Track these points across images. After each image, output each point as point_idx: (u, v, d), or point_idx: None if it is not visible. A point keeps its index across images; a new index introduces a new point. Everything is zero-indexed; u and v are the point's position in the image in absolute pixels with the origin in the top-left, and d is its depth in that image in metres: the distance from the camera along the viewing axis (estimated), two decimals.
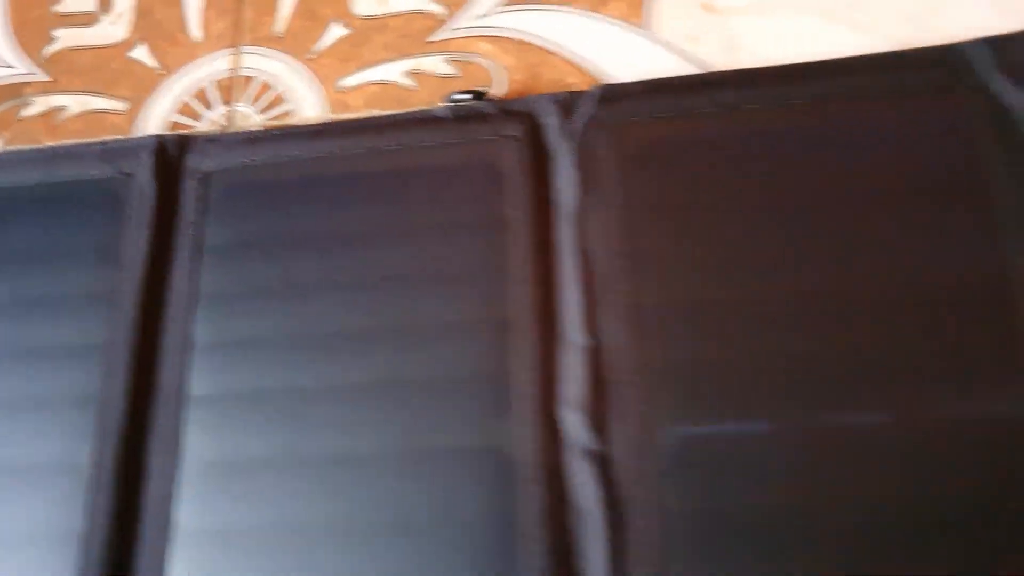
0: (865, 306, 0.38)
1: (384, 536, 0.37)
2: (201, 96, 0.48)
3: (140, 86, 0.49)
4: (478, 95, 0.43)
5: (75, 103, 0.49)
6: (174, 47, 0.49)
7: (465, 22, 0.47)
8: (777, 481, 0.36)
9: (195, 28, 0.50)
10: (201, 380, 0.42)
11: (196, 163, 0.46)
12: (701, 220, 0.40)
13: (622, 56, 0.44)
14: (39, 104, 0.49)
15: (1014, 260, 0.37)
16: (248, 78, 0.48)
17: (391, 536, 0.37)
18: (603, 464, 0.37)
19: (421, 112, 0.44)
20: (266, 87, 0.48)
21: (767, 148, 0.41)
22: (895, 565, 0.34)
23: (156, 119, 0.48)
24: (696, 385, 0.38)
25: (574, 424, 0.38)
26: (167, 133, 0.47)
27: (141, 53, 0.50)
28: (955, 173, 0.39)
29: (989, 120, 0.40)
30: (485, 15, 0.46)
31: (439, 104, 0.43)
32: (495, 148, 0.43)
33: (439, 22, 0.47)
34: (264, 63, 0.48)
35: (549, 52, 0.45)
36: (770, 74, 0.42)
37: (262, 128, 0.46)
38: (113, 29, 0.50)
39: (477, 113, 0.43)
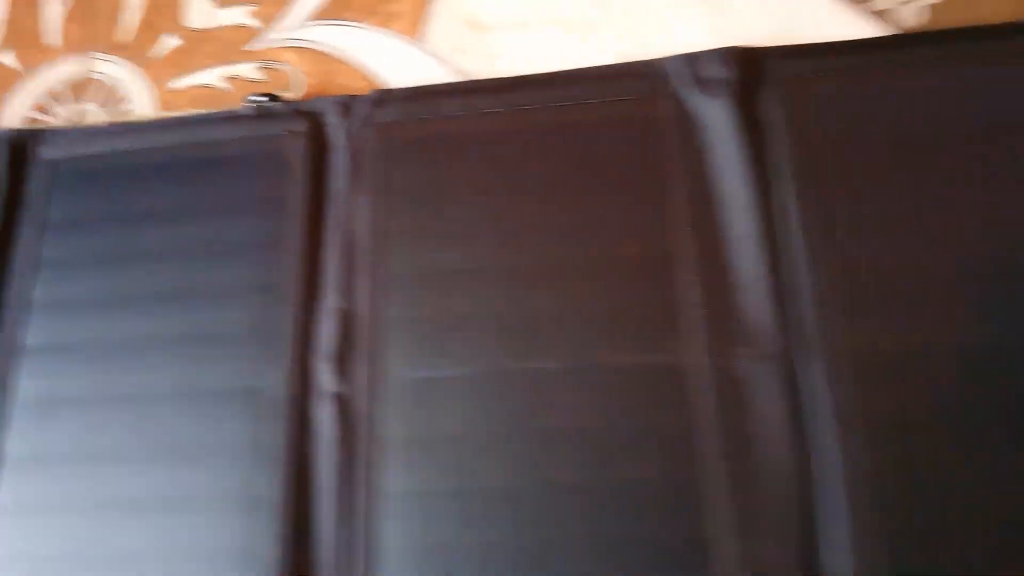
0: (558, 275, 0.46)
1: (165, 459, 0.46)
2: (56, 95, 0.56)
3: (3, 86, 0.57)
4: (274, 97, 0.52)
5: None
6: (36, 52, 0.58)
7: (276, 34, 0.55)
8: (477, 413, 0.44)
9: (55, 36, 0.58)
10: (35, 333, 0.50)
11: (46, 153, 0.54)
12: (441, 205, 0.48)
13: (401, 66, 0.53)
14: None
15: (676, 240, 0.45)
16: (96, 80, 0.56)
17: (171, 459, 0.46)
18: (343, 403, 0.45)
19: (228, 111, 0.53)
20: (110, 88, 0.56)
21: (503, 145, 0.49)
22: (563, 476, 0.42)
23: (16, 115, 0.56)
24: (423, 338, 0.46)
25: (324, 372, 0.46)
26: (22, 127, 0.55)
27: (8, 57, 0.58)
28: (644, 167, 0.47)
29: (677, 123, 0.48)
30: (293, 29, 0.55)
31: (242, 104, 0.52)
32: (283, 142, 0.51)
33: (254, 34, 0.55)
34: (110, 68, 0.56)
35: (341, 61, 0.53)
36: (510, 83, 0.50)
37: (104, 123, 0.55)
38: None
39: (272, 112, 0.52)
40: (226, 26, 0.55)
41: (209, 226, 0.50)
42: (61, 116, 0.56)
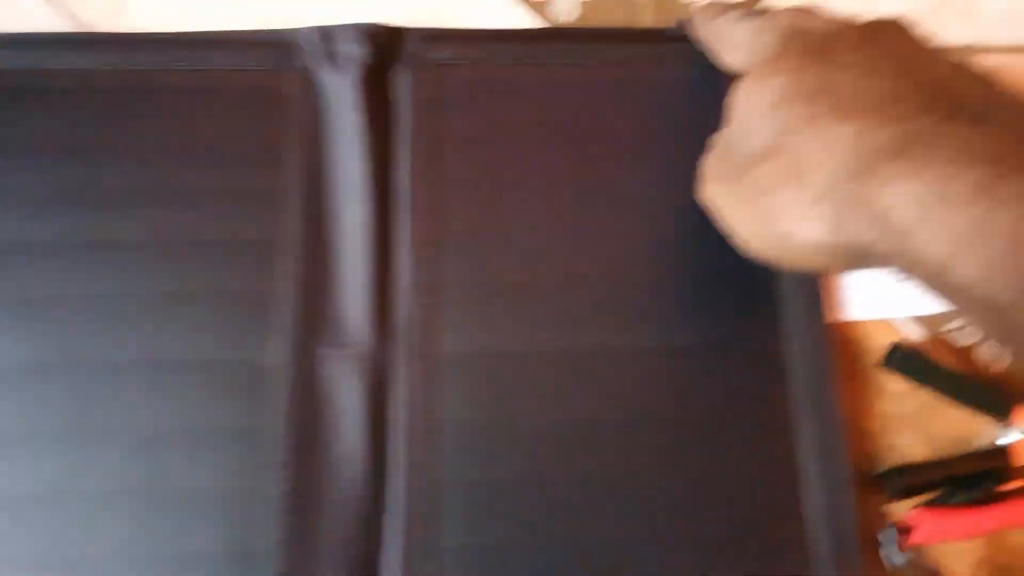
0: (154, 255, 0.41)
1: None
2: None
3: None
4: None
5: None
6: None
7: None
8: (30, 409, 0.39)
9: None
10: None
11: None
12: (34, 168, 0.42)
13: (7, 11, 0.46)
14: None
15: (283, 225, 0.41)
16: None
17: None
18: None
19: None
20: None
21: (113, 106, 0.44)
22: (113, 482, 0.38)
23: None
24: None
25: None
26: None
27: None
28: (262, 143, 0.43)
29: (301, 99, 0.44)
30: None
31: None
32: None
33: None
34: None
35: None
36: (129, 39, 0.45)
37: None
38: None
39: None
40: None
41: None
42: None
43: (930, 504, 0.39)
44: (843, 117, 0.27)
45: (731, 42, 0.38)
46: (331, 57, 0.45)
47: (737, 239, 0.33)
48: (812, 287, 0.42)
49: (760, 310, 0.42)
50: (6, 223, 0.41)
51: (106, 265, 0.41)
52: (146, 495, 0.38)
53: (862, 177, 0.26)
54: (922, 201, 0.24)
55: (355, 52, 0.44)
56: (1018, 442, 0.40)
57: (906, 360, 0.40)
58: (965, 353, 0.42)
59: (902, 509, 0.39)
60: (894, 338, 0.42)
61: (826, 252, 0.28)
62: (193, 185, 0.43)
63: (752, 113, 0.31)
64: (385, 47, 0.45)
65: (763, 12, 0.37)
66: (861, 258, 0.27)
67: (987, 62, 0.46)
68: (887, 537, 0.38)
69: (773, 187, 0.29)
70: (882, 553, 0.38)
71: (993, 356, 0.42)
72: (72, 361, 0.39)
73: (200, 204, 0.42)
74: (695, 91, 0.45)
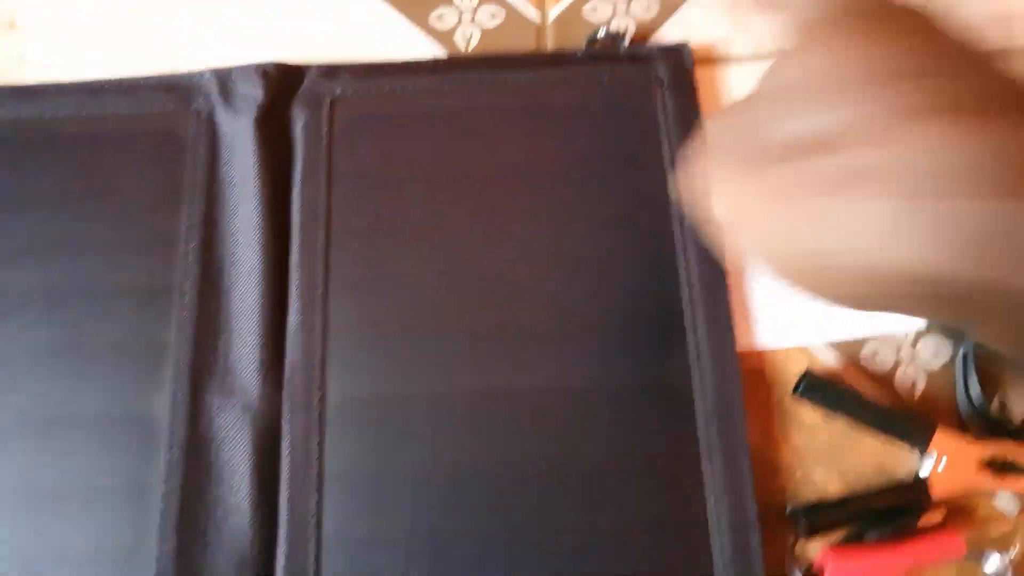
0: (50, 304, 0.41)
1: None
2: None
3: None
4: None
5: None
6: None
7: None
8: None
9: None
10: None
11: None
12: None
13: None
14: None
15: (180, 273, 0.41)
16: None
17: None
18: None
19: None
20: None
21: (15, 159, 0.43)
22: None
23: None
24: None
25: None
26: None
27: None
28: (162, 189, 0.43)
29: (200, 143, 0.44)
30: None
31: None
32: None
33: None
34: None
35: None
36: (31, 90, 0.45)
37: None
38: None
39: None
40: None
41: None
42: None
43: (843, 542, 0.37)
44: (959, 119, 0.20)
45: None
46: (228, 98, 0.44)
47: (752, 256, 0.24)
48: (722, 317, 0.40)
49: (667, 347, 0.40)
50: None
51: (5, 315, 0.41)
52: (28, 555, 0.37)
53: (1010, 192, 0.19)
54: None
55: (251, 92, 0.44)
56: (937, 473, 0.38)
57: (817, 388, 0.39)
58: (882, 379, 0.40)
59: (814, 548, 0.37)
60: (809, 365, 0.40)
61: (906, 283, 0.21)
62: (88, 234, 0.42)
63: (809, 88, 0.23)
64: (282, 85, 0.44)
65: None
66: (955, 303, 0.20)
67: None
68: None
69: (837, 186, 0.21)
70: None
71: (912, 381, 0.40)
72: None
73: (94, 253, 0.42)
74: (602, 116, 0.44)
